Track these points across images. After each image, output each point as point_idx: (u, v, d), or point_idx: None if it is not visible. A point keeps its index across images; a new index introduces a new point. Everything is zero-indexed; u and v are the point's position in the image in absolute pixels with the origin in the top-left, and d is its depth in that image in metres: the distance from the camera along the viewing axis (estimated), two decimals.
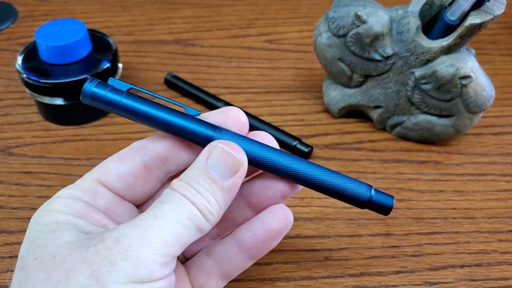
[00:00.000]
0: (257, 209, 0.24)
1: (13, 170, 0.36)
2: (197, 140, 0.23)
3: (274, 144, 0.24)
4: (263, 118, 0.40)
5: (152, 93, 0.24)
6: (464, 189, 0.35)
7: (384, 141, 0.39)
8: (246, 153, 0.22)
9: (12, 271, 0.28)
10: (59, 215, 0.21)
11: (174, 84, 0.43)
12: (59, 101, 0.38)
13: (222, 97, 0.42)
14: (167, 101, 0.24)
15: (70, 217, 0.21)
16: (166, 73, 0.44)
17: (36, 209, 0.22)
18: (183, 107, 0.24)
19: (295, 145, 0.37)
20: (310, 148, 0.37)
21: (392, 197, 0.24)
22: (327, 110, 0.42)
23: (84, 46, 0.39)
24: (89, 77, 0.23)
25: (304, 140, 0.38)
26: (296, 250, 0.31)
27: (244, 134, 0.24)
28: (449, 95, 0.35)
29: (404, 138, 0.39)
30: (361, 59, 0.37)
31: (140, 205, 0.25)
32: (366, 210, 0.27)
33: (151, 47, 0.49)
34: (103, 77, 0.38)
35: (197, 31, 0.52)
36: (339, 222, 0.33)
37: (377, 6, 0.36)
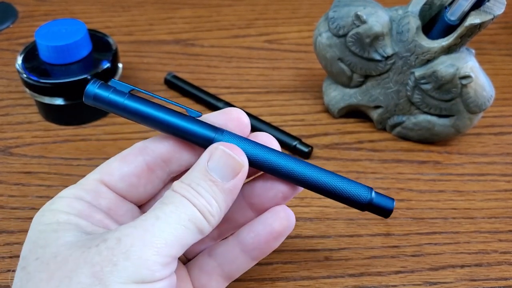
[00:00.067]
0: (259, 210, 0.25)
1: (13, 170, 0.36)
2: (198, 142, 0.23)
3: (276, 146, 0.24)
4: (263, 118, 0.40)
5: (154, 95, 0.24)
6: (464, 189, 0.35)
7: (384, 141, 0.39)
8: (247, 155, 0.22)
9: (13, 271, 0.28)
10: (61, 215, 0.21)
11: (174, 84, 0.43)
12: (59, 101, 0.38)
13: (222, 97, 0.42)
14: (168, 102, 0.24)
15: (72, 217, 0.21)
16: (166, 73, 0.44)
17: (36, 209, 0.22)
18: (184, 108, 0.24)
19: (295, 145, 0.37)
20: (310, 148, 0.37)
21: (393, 199, 0.24)
22: (327, 110, 0.42)
23: (84, 46, 0.38)
24: (90, 78, 0.23)
25: (304, 140, 0.38)
26: (296, 250, 0.31)
27: (246, 135, 0.24)
28: (449, 95, 0.35)
29: (404, 138, 0.39)
30: (361, 59, 0.37)
31: (142, 206, 0.25)
32: None
33: (151, 47, 0.49)
34: (103, 77, 0.38)
35: (197, 31, 0.52)
36: (339, 222, 0.33)
37: (377, 6, 0.36)
